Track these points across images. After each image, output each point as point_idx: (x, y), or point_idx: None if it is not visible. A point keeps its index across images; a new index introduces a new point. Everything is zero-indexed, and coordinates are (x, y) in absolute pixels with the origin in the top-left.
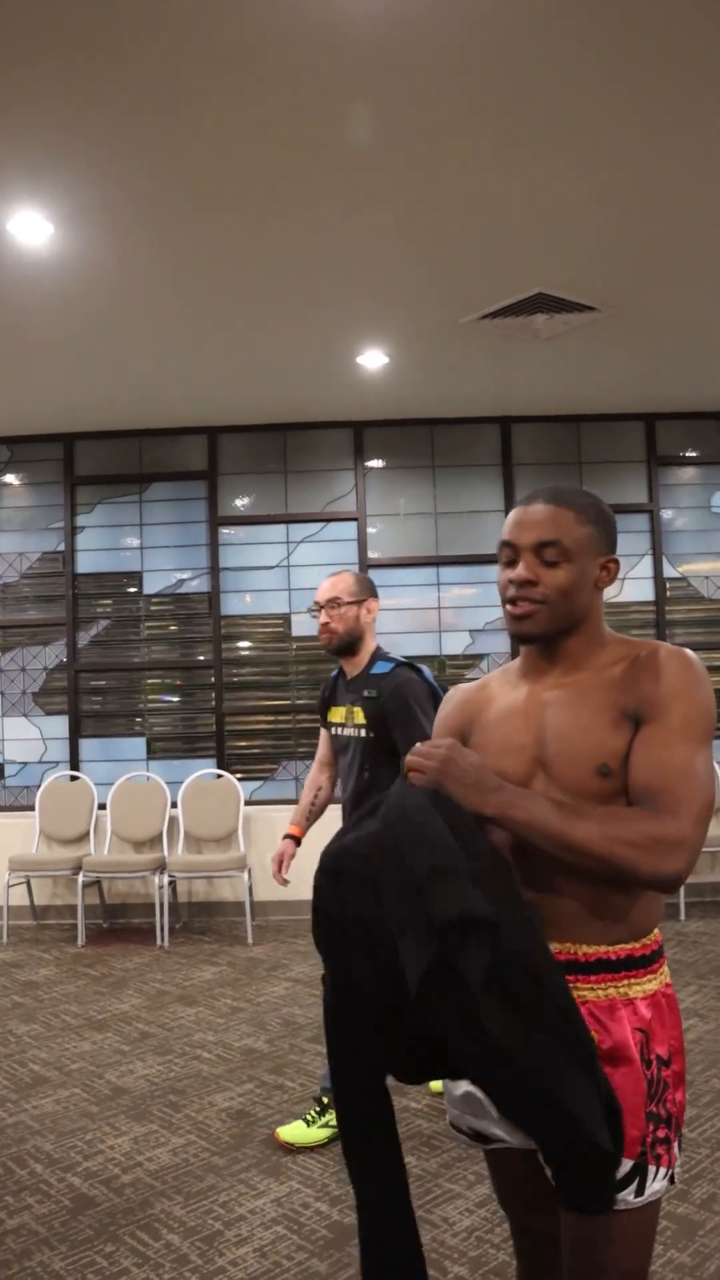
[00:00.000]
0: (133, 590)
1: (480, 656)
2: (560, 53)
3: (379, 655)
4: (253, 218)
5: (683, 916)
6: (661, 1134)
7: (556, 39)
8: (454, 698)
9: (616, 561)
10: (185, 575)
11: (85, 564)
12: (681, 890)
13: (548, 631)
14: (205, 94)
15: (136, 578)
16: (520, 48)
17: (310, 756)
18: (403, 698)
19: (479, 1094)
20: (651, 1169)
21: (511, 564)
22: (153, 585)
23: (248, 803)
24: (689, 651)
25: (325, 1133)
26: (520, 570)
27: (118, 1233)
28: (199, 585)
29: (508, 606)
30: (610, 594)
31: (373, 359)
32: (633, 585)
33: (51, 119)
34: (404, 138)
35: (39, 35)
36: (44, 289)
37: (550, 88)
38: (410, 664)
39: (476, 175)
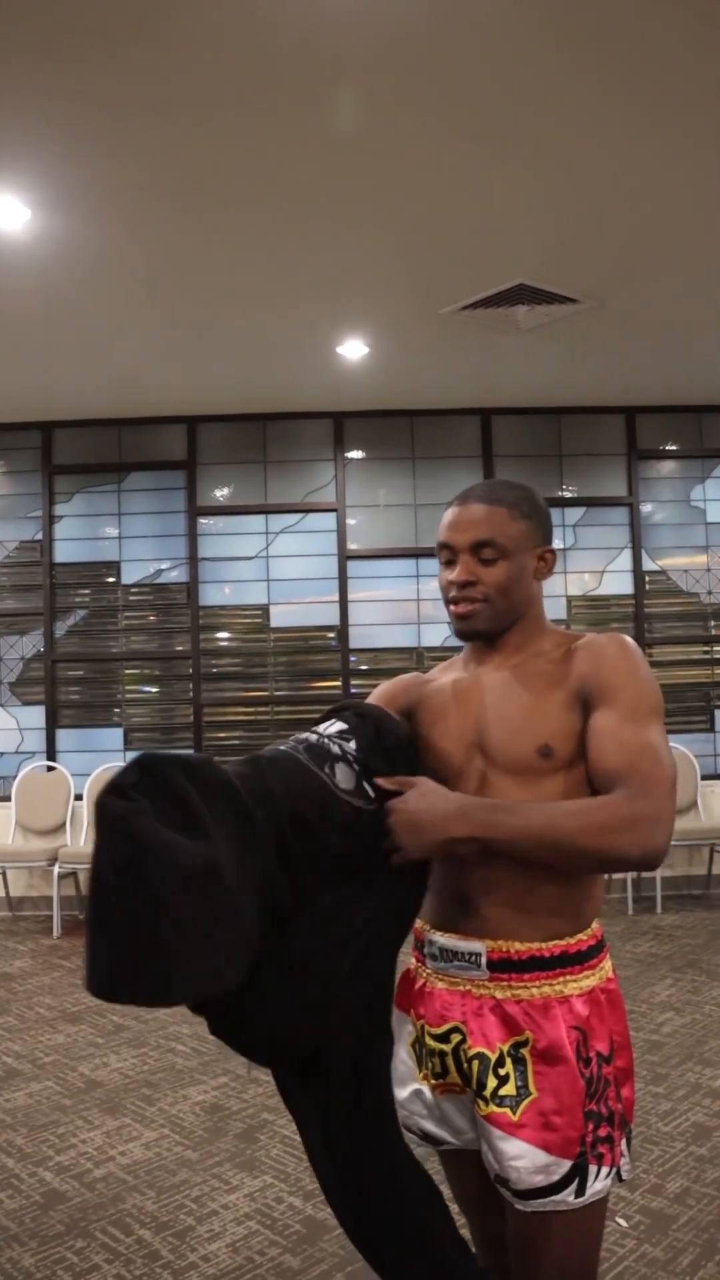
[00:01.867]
0: (111, 580)
1: (459, 648)
2: (542, 44)
3: None
4: (233, 206)
5: (659, 909)
6: (603, 1132)
7: (538, 31)
8: (401, 680)
9: (553, 552)
10: (164, 565)
11: (63, 553)
12: (658, 883)
13: (491, 629)
14: (186, 80)
15: (115, 567)
16: (501, 39)
17: None
18: None
19: (426, 1093)
20: (593, 1168)
21: (450, 564)
22: (131, 575)
23: None
24: (625, 636)
25: None
26: (459, 571)
27: (89, 1228)
28: (178, 575)
29: (450, 607)
30: (589, 587)
31: (353, 349)
32: (612, 578)
33: (28, 102)
34: (386, 127)
35: (13, 17)
36: (21, 275)
37: (532, 79)
38: None
39: (458, 165)
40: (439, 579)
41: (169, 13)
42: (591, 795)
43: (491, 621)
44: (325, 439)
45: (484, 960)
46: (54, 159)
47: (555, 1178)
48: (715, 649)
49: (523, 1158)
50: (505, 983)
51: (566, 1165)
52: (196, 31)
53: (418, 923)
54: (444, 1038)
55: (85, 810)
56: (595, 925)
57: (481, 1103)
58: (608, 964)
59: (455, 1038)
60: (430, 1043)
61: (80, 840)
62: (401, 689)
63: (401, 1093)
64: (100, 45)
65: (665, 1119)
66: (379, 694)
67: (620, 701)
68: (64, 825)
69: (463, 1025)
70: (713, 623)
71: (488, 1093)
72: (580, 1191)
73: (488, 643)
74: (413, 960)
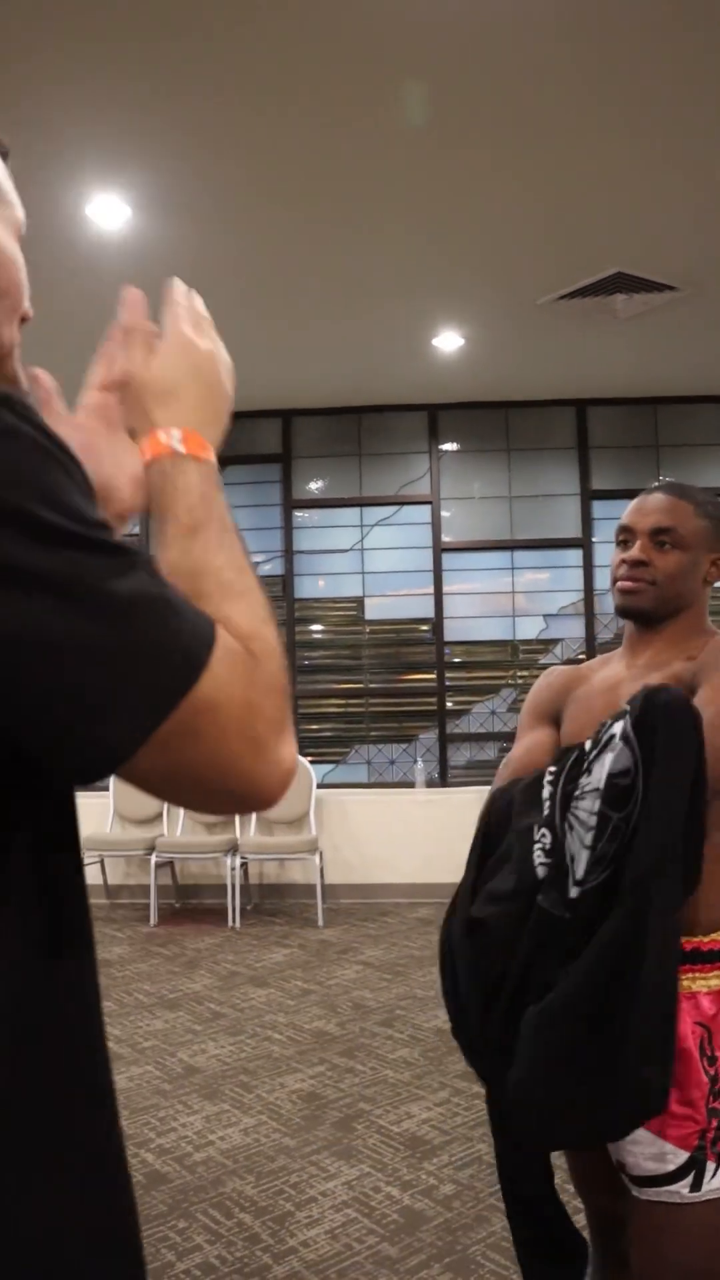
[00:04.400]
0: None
1: (554, 641)
2: (640, 25)
3: None
4: (328, 201)
5: None
6: None
7: (639, 10)
8: (546, 679)
9: None
10: (259, 558)
11: None
12: None
13: (651, 610)
14: (280, 76)
15: None
16: (599, 20)
17: (383, 740)
18: None
19: None
20: (711, 1165)
21: (626, 546)
22: None
23: (319, 786)
24: None
25: None
26: (634, 551)
27: (190, 1209)
28: (273, 568)
29: (616, 584)
30: None
31: (449, 341)
32: None
33: (133, 101)
34: (480, 117)
35: (123, 16)
36: (120, 273)
37: (630, 62)
38: None
39: (554, 153)
40: (612, 561)
41: (262, 8)
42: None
43: (654, 604)
44: (420, 431)
45: None
46: (153, 157)
47: (670, 1167)
48: None
49: (639, 1143)
50: None
51: (683, 1156)
52: (289, 27)
53: None
54: None
55: None
56: None
57: None
58: None
59: None
60: None
61: (177, 830)
62: (550, 694)
63: None
64: (197, 41)
65: None
66: (532, 705)
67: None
68: (160, 815)
69: None
70: None
71: None
72: (696, 1186)
73: (645, 627)
74: None
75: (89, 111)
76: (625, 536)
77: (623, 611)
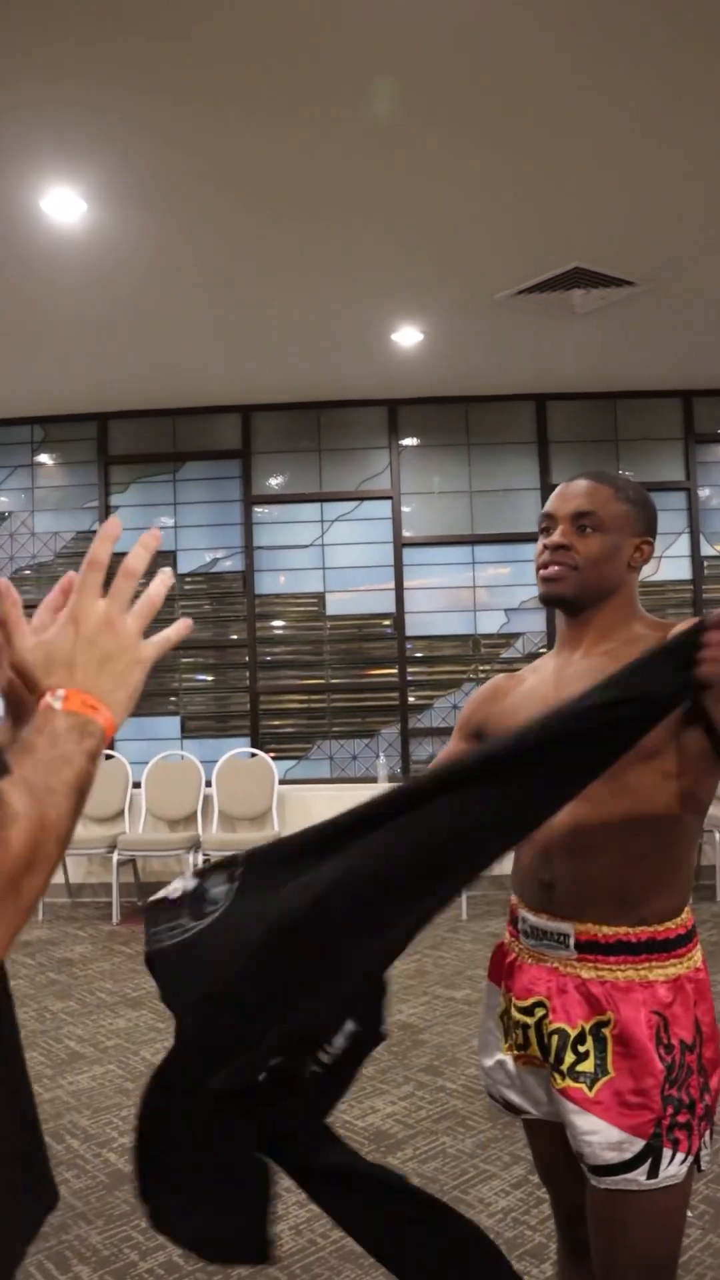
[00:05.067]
0: (166, 569)
1: (515, 636)
2: (596, 22)
3: None
4: (286, 195)
5: (719, 898)
6: (683, 1119)
7: (602, 8)
8: (475, 693)
9: (651, 544)
10: (219, 554)
11: (119, 543)
12: (718, 872)
13: (574, 596)
14: (238, 70)
15: (170, 557)
16: (561, 16)
17: (345, 735)
18: None
19: (509, 1064)
20: (667, 1152)
21: (549, 533)
22: (187, 564)
23: (282, 781)
24: None
25: None
26: (555, 536)
27: None
28: (233, 564)
29: (540, 571)
30: (647, 573)
31: (407, 336)
32: (669, 564)
33: (88, 96)
34: (438, 112)
35: (78, 10)
36: (76, 266)
37: (586, 59)
38: None
39: (513, 148)
40: (536, 549)
41: (223, 11)
42: (680, 783)
43: (576, 589)
44: (380, 426)
45: (572, 941)
46: (109, 151)
47: (627, 1155)
48: None
49: (596, 1133)
50: (592, 964)
51: (639, 1144)
52: (248, 21)
53: (513, 898)
54: (529, 1011)
55: (142, 798)
56: (686, 914)
57: (558, 1077)
58: (698, 953)
59: (539, 1012)
60: (516, 1015)
61: (139, 828)
62: (476, 708)
63: (487, 1061)
64: (153, 35)
65: None
66: (461, 722)
67: None
68: (122, 813)
69: (547, 1000)
70: None
71: (564, 1067)
72: (653, 1173)
73: (576, 625)
74: (507, 934)
75: (44, 104)
76: (547, 524)
77: (546, 599)
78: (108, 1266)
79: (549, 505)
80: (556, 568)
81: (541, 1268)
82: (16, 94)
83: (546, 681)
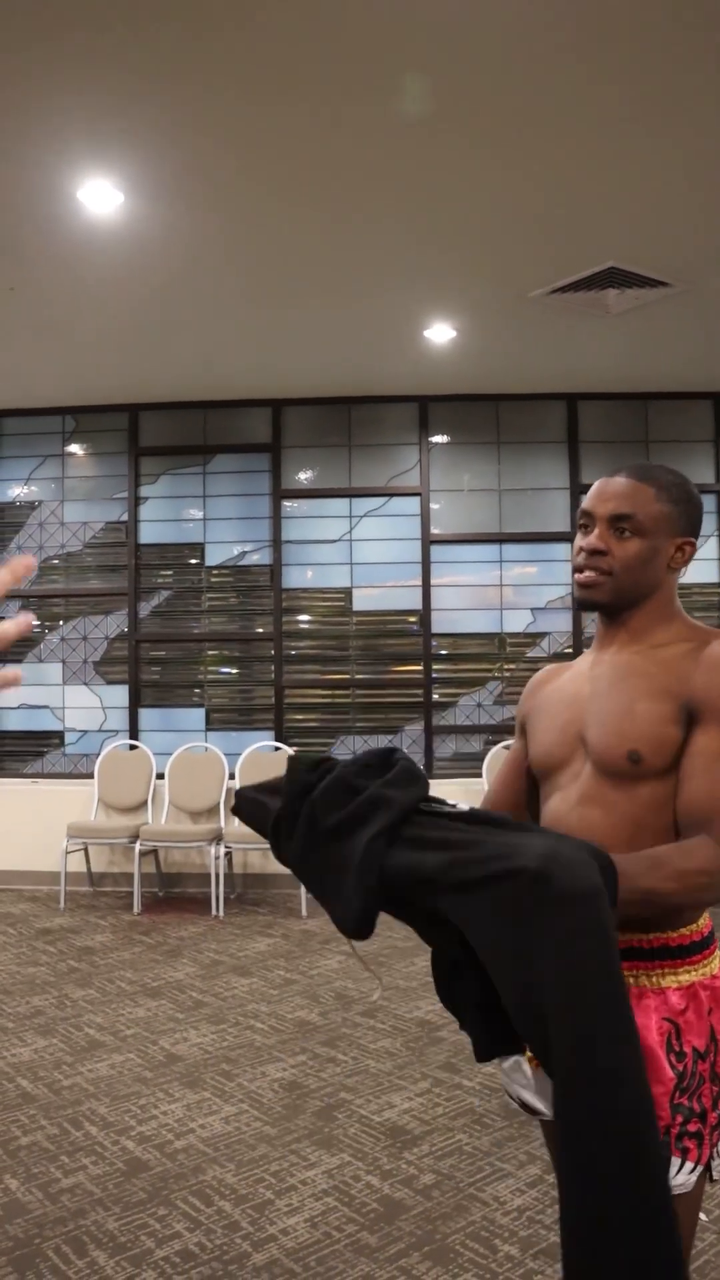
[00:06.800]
0: (194, 562)
1: (542, 635)
2: (637, 20)
3: None
4: (322, 190)
5: None
6: (693, 1127)
7: (636, 6)
8: (530, 681)
9: (693, 544)
10: (247, 548)
11: (148, 535)
12: None
13: (610, 602)
14: (276, 64)
15: (199, 549)
16: (596, 14)
17: (368, 731)
18: None
19: (526, 1066)
20: (676, 1160)
21: (587, 531)
22: (214, 557)
23: None
24: None
25: None
26: (592, 539)
27: (170, 1197)
28: (261, 558)
29: (575, 574)
30: None
31: (440, 333)
32: (697, 567)
33: (124, 87)
34: (475, 110)
35: (118, 3)
36: (111, 257)
37: (626, 57)
38: None
39: (549, 146)
40: (574, 546)
41: (264, 8)
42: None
43: (612, 596)
44: (410, 423)
45: None
46: (145, 143)
47: None
48: None
49: None
50: None
51: None
52: (285, 16)
53: None
54: None
55: (166, 789)
56: (703, 920)
57: None
58: (715, 960)
59: None
60: None
61: (161, 818)
62: (522, 702)
63: (504, 1063)
64: (191, 28)
65: None
66: (517, 723)
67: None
68: (145, 803)
69: None
70: None
71: None
72: None
73: (611, 625)
74: None
75: (82, 95)
76: (585, 521)
77: (581, 604)
78: (124, 1253)
79: (587, 502)
80: (591, 574)
81: (555, 1267)
82: (54, 84)
83: (577, 678)
